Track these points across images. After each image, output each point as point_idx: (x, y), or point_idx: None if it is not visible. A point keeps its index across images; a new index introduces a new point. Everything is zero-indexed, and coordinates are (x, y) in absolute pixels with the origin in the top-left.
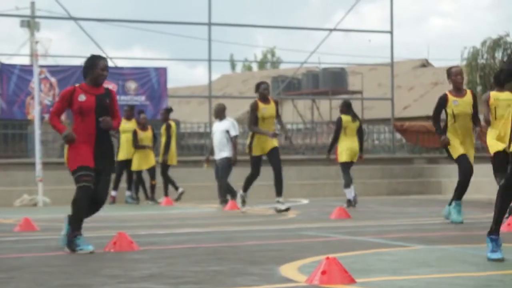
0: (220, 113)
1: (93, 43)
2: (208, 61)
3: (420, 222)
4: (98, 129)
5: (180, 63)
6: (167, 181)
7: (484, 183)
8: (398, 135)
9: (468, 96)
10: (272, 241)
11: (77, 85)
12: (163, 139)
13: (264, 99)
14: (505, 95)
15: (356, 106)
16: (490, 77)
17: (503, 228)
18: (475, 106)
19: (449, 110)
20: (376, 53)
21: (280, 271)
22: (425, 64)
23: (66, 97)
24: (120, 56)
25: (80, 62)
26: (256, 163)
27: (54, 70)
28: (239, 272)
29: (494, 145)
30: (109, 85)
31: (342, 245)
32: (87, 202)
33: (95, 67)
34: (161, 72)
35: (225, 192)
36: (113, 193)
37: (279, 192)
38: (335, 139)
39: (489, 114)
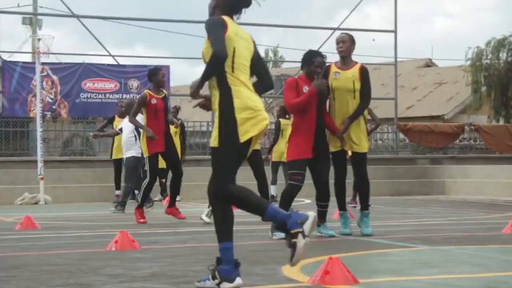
0: (129, 108)
1: (96, 40)
2: None
3: (423, 222)
4: None
5: (183, 62)
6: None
7: (486, 184)
8: (401, 135)
9: (353, 71)
10: (274, 241)
11: None
12: (177, 138)
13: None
14: None
15: None
16: (494, 77)
17: (506, 229)
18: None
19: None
20: (379, 53)
21: (282, 271)
22: (428, 64)
23: None
24: (122, 54)
25: (82, 59)
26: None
27: (56, 67)
28: (241, 272)
29: None
30: (112, 83)
31: (345, 246)
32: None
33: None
34: (164, 71)
35: (124, 195)
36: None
37: None
38: (275, 141)
39: None
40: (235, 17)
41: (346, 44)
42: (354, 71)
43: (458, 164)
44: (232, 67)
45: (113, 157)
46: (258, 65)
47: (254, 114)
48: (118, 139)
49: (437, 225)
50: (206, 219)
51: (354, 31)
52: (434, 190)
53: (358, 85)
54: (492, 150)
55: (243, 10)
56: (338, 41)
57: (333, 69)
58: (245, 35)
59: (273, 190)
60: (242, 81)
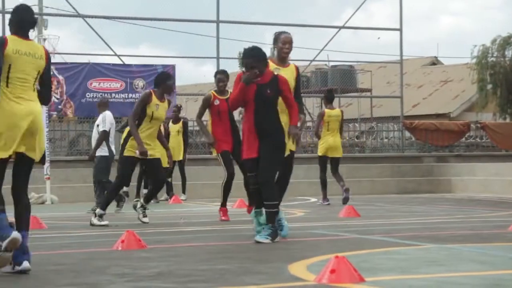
0: (100, 106)
1: (101, 40)
2: (217, 58)
3: (430, 220)
4: None
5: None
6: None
7: (493, 182)
8: (407, 133)
9: (291, 69)
10: (280, 239)
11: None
12: (180, 137)
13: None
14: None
15: (365, 104)
16: (500, 75)
17: (511, 228)
18: (297, 81)
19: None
20: (385, 51)
21: (288, 270)
22: (434, 62)
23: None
24: (127, 53)
25: (88, 59)
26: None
27: (62, 67)
28: (247, 270)
29: None
30: (118, 83)
31: (351, 244)
32: None
33: None
34: (169, 70)
35: (98, 195)
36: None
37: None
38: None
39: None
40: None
41: (291, 45)
42: (292, 70)
43: (464, 162)
44: (7, 82)
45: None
46: (44, 79)
47: (6, 133)
48: (132, 139)
49: (444, 223)
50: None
51: (359, 29)
52: (440, 188)
53: (293, 84)
54: (498, 147)
55: (31, 29)
56: (285, 42)
57: (272, 66)
58: (33, 51)
59: None
60: (16, 95)
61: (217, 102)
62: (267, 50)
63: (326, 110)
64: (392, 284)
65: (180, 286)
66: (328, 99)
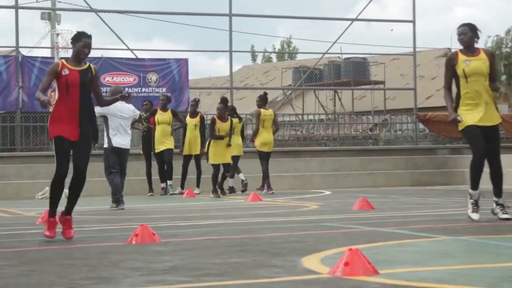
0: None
1: (114, 35)
2: (229, 52)
3: (444, 213)
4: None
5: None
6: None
7: (507, 173)
8: (421, 126)
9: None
10: (294, 232)
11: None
12: (197, 131)
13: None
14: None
15: (378, 96)
16: None
17: None
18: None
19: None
20: (398, 43)
21: (302, 263)
22: (448, 53)
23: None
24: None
25: (101, 54)
26: None
27: None
28: (261, 263)
29: None
30: (131, 77)
31: (364, 236)
32: None
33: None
34: (182, 64)
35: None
36: (162, 184)
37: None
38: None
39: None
40: None
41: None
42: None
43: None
44: None
45: (156, 151)
46: None
47: None
48: (158, 132)
49: (458, 215)
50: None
51: (372, 21)
52: (454, 180)
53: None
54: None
55: None
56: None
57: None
58: None
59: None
60: None
61: (65, 72)
62: (278, 43)
63: (262, 110)
64: (406, 277)
65: (194, 279)
66: (263, 101)
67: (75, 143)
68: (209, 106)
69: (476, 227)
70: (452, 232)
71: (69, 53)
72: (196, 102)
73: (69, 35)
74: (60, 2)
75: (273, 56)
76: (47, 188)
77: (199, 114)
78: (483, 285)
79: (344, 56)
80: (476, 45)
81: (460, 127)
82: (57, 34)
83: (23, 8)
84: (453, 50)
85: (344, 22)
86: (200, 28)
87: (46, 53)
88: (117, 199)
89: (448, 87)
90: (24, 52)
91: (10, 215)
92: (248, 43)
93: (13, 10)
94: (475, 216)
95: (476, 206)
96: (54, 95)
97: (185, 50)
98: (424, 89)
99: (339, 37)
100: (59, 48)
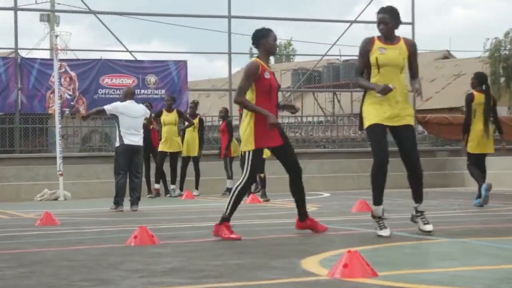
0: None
1: (113, 36)
2: (228, 54)
3: (443, 214)
4: None
5: (200, 56)
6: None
7: (506, 176)
8: (420, 127)
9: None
10: (293, 234)
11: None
12: (196, 133)
13: None
14: None
15: None
16: None
17: None
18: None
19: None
20: None
21: (301, 265)
22: (447, 55)
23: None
24: (139, 49)
25: (100, 55)
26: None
27: (74, 64)
28: (260, 265)
29: None
30: (130, 79)
31: (363, 238)
32: None
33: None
34: (181, 65)
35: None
36: (157, 185)
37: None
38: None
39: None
40: None
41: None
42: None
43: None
44: None
45: (159, 149)
46: None
47: None
48: (165, 133)
49: (457, 217)
50: None
51: (371, 23)
52: (453, 182)
53: None
54: (511, 141)
55: None
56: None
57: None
58: None
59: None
60: None
61: (267, 76)
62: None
63: None
64: (405, 279)
65: (193, 281)
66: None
67: None
68: (208, 108)
69: (475, 229)
70: (451, 234)
71: (68, 55)
72: (195, 104)
73: (67, 36)
74: (59, 4)
75: (272, 58)
76: (46, 190)
77: (198, 116)
78: (482, 287)
79: (343, 58)
80: (396, 33)
81: (365, 125)
82: (56, 36)
83: (22, 9)
84: (452, 52)
85: (343, 24)
86: (199, 30)
87: (45, 54)
88: (117, 201)
89: (360, 75)
90: (23, 53)
91: (9, 216)
92: (247, 45)
93: (12, 12)
94: (385, 232)
95: (382, 222)
96: (52, 97)
97: (184, 52)
98: (423, 91)
99: (338, 39)
100: (58, 50)
